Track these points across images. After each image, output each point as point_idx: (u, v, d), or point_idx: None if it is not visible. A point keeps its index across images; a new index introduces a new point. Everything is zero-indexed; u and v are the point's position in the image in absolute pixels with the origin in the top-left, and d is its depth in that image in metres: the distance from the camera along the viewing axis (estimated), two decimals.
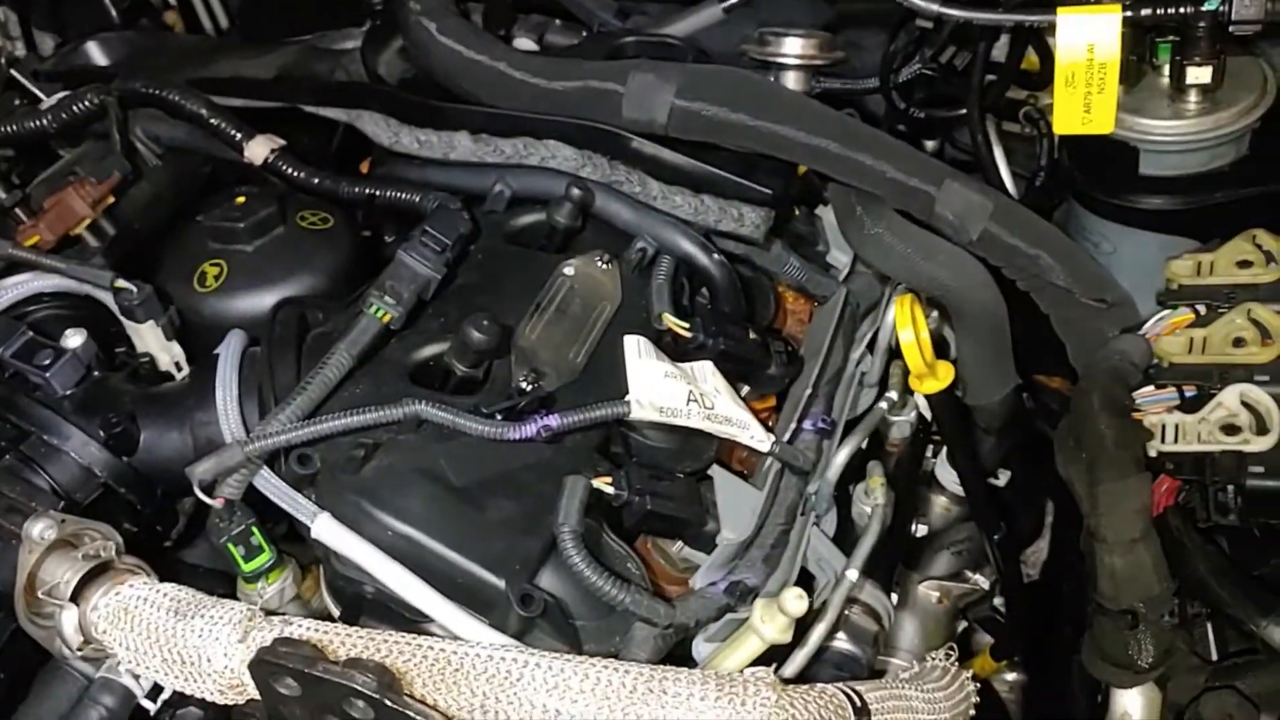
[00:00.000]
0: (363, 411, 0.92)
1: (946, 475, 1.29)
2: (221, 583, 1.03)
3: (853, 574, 1.00)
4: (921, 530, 1.32)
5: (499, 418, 0.95)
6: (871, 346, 1.22)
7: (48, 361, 1.00)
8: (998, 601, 1.35)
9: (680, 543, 1.03)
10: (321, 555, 0.94)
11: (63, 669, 1.01)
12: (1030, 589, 1.39)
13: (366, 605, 0.92)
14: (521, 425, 0.93)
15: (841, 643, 1.03)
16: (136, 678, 0.94)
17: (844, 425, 1.14)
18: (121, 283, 1.05)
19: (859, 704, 0.83)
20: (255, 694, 0.84)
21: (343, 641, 0.83)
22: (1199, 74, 1.14)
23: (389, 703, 0.77)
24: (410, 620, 0.90)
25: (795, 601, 0.85)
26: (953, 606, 1.27)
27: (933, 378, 1.11)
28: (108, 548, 0.93)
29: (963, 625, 1.38)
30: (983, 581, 1.29)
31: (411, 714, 0.77)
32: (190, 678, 0.85)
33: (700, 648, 0.97)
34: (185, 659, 0.85)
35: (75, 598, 0.90)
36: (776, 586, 0.97)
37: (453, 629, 0.88)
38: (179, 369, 1.09)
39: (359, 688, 0.77)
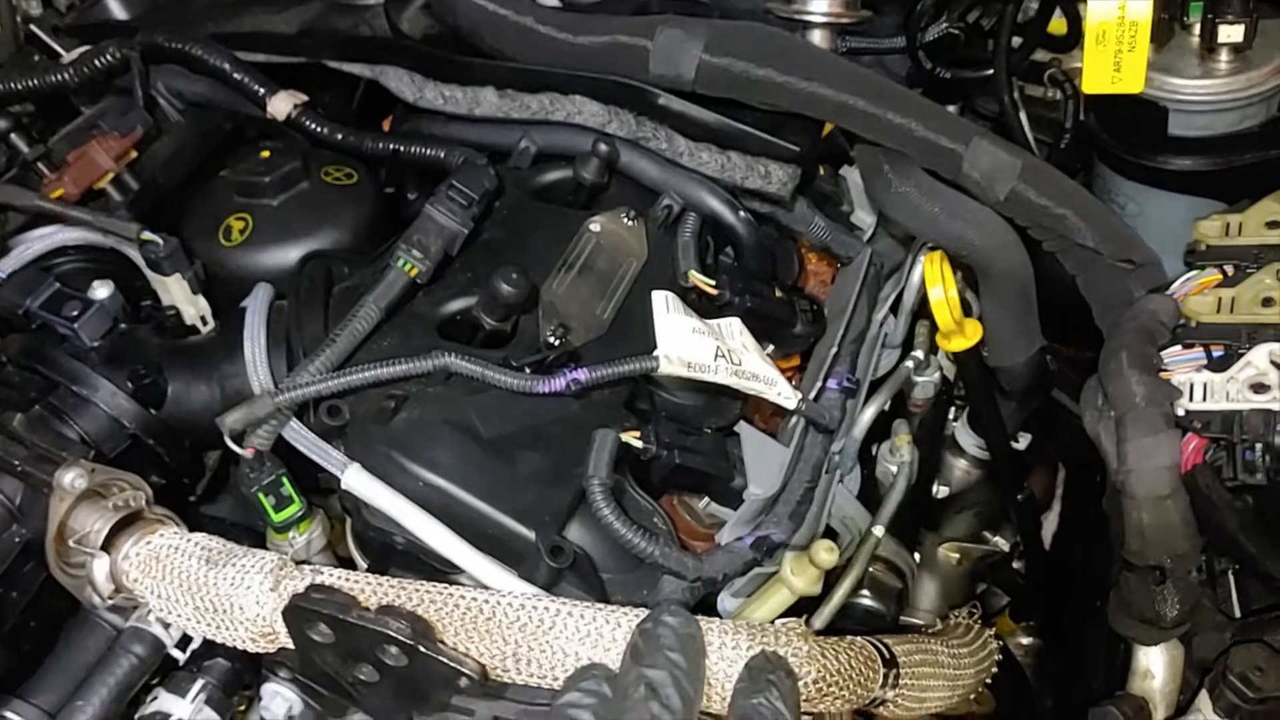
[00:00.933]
0: (392, 363, 0.92)
1: (967, 438, 1.30)
2: (245, 537, 1.03)
3: (879, 530, 1.00)
4: (941, 492, 1.32)
5: (528, 371, 0.95)
6: (895, 307, 1.22)
7: (76, 313, 1.00)
8: (1016, 564, 1.36)
9: (705, 499, 1.03)
10: (350, 506, 0.94)
11: (92, 619, 1.01)
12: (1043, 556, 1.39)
13: (395, 556, 0.92)
14: (550, 379, 0.93)
15: (865, 599, 1.03)
16: (166, 627, 0.94)
17: (868, 385, 1.14)
18: (148, 235, 1.04)
19: (887, 655, 0.84)
20: (286, 641, 0.85)
21: (374, 590, 0.83)
22: (1231, 32, 1.14)
23: (423, 649, 0.77)
24: (439, 571, 0.90)
25: (826, 554, 0.86)
26: (972, 568, 1.27)
27: (961, 335, 1.11)
28: (138, 497, 0.93)
29: (981, 587, 1.38)
30: (1002, 543, 1.29)
31: (445, 660, 0.78)
32: (222, 625, 0.86)
33: (725, 602, 0.98)
34: (217, 607, 0.85)
35: (106, 547, 0.91)
36: (802, 542, 0.98)
37: (482, 580, 0.88)
38: (205, 322, 1.09)
39: (393, 634, 0.77)
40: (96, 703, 0.92)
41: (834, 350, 1.11)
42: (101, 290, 1.02)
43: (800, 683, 0.75)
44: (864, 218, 1.26)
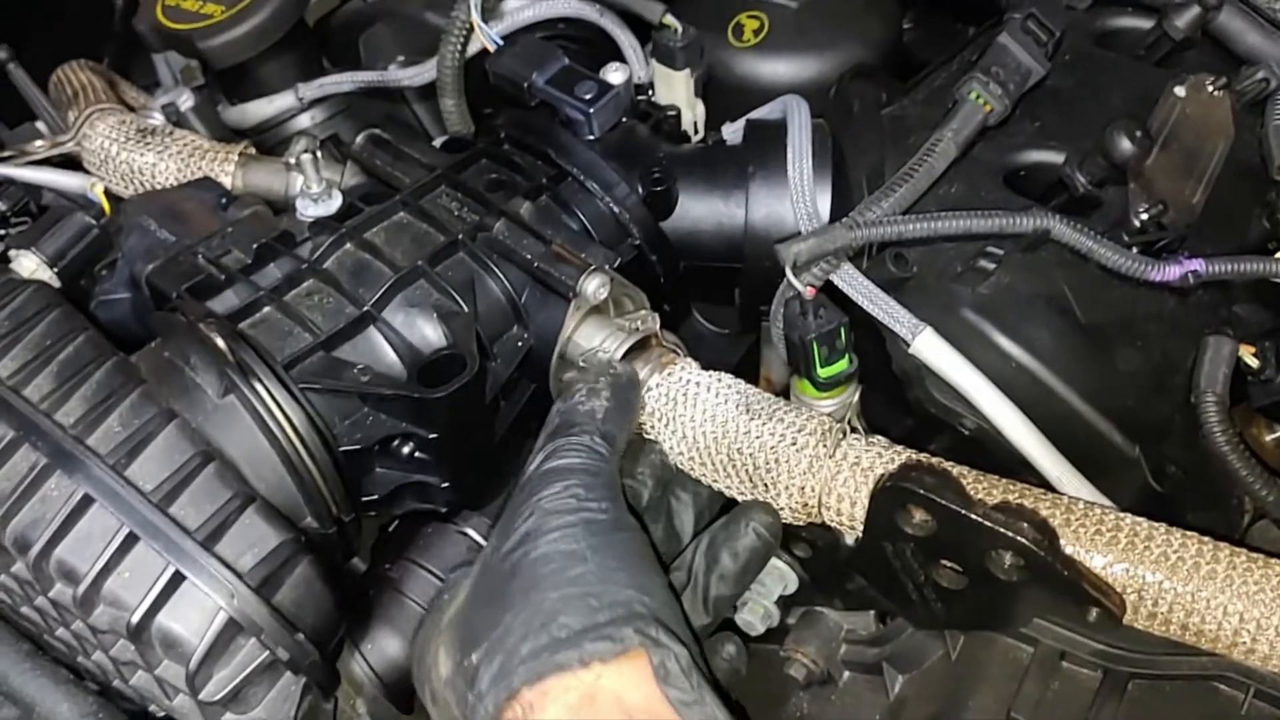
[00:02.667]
0: (987, 215, 0.77)
1: None
2: None
3: None
4: None
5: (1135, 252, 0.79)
6: None
7: (590, 96, 0.86)
8: None
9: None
10: (907, 376, 0.80)
11: None
12: None
13: (957, 443, 0.78)
14: (1166, 265, 0.77)
15: None
16: None
17: None
18: (670, 19, 0.90)
19: None
20: (825, 516, 0.73)
21: (973, 482, 0.70)
22: None
23: (1059, 567, 0.64)
24: (1004, 469, 0.76)
25: None
26: None
27: None
28: (650, 320, 0.81)
29: None
30: None
31: (1087, 586, 0.64)
32: (758, 485, 0.74)
33: None
34: (757, 463, 0.73)
35: None
36: None
37: (1064, 491, 0.74)
38: (697, 130, 0.95)
39: (1025, 541, 0.64)
40: None
41: None
42: (617, 75, 0.88)
43: None
44: None
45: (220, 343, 0.70)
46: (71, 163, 1.02)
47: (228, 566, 0.65)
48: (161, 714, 0.69)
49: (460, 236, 0.80)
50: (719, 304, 1.01)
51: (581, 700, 0.57)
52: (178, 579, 0.64)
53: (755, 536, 0.72)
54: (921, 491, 0.65)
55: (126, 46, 1.29)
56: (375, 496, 0.77)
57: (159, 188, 0.96)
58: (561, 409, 0.72)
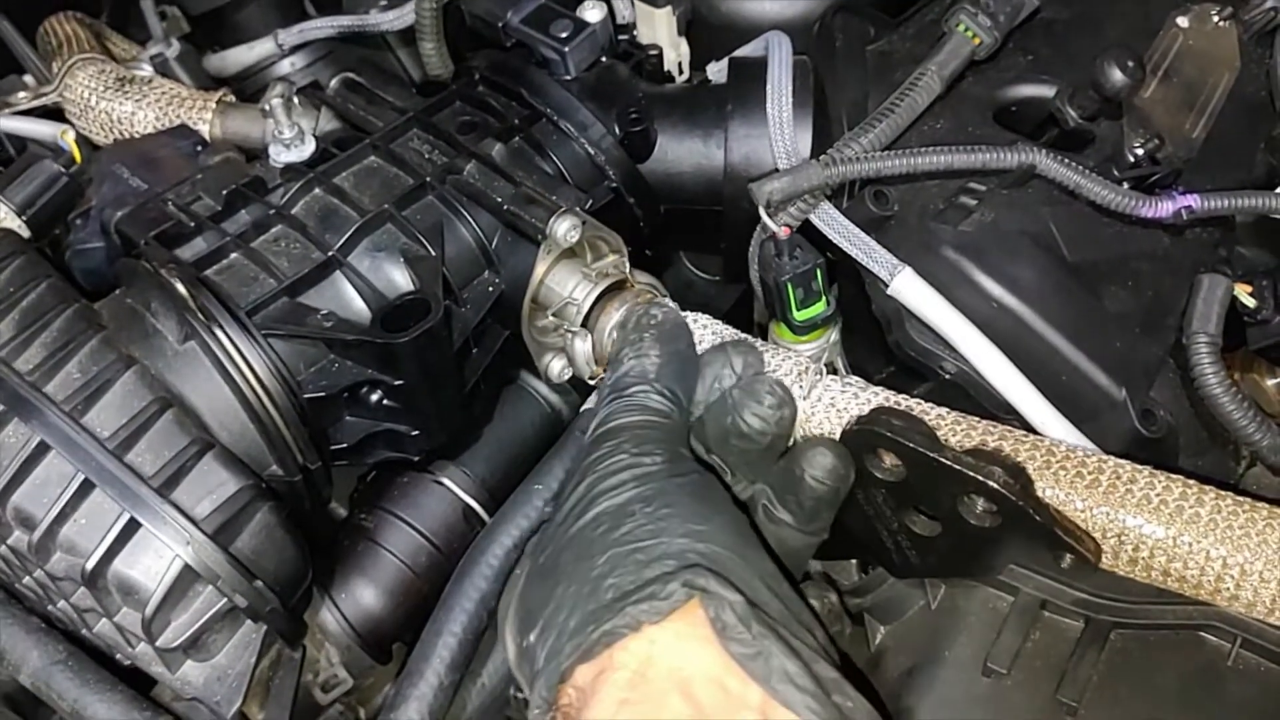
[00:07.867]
0: (969, 150, 0.74)
1: None
2: None
3: None
4: None
5: (1126, 187, 0.76)
6: None
7: (566, 34, 0.84)
8: None
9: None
10: (886, 318, 0.77)
11: (527, 392, 0.90)
12: None
13: (940, 388, 0.76)
14: (1158, 201, 0.74)
15: None
16: None
17: None
18: None
19: None
20: None
21: (949, 425, 0.67)
22: None
23: (1031, 511, 0.61)
24: (987, 413, 0.74)
25: None
26: None
27: None
28: (621, 264, 0.79)
29: None
30: None
31: (1060, 532, 0.62)
32: None
33: None
34: None
35: (587, 319, 0.77)
36: None
37: (1046, 434, 0.71)
38: (681, 70, 0.93)
39: (996, 485, 0.61)
40: (555, 486, 0.79)
41: None
42: (594, 12, 0.86)
43: None
44: None
45: (180, 288, 0.69)
46: (57, 114, 1.01)
47: (183, 513, 0.64)
48: (128, 662, 0.68)
49: (429, 179, 0.78)
50: (707, 250, 0.99)
51: (634, 680, 0.52)
52: (133, 526, 0.63)
53: None
54: (889, 435, 0.63)
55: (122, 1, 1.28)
56: (345, 445, 0.76)
57: (138, 136, 0.95)
58: (608, 378, 0.68)
